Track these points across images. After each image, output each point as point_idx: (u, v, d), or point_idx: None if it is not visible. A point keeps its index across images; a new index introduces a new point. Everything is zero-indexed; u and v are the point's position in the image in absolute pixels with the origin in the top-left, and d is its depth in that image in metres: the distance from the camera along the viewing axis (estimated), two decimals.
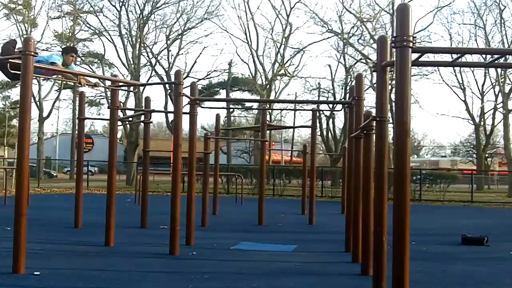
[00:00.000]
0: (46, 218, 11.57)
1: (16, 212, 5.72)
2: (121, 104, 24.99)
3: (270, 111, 30.88)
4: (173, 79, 7.57)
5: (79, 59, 38.18)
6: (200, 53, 56.11)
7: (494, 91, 34.69)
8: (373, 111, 5.66)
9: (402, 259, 3.83)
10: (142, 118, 11.39)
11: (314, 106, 16.70)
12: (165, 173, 22.50)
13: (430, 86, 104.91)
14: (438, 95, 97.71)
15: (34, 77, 6.46)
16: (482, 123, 36.61)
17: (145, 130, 11.30)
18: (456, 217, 15.08)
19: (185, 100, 8.04)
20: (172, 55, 36.21)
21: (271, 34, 37.48)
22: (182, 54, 37.34)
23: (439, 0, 44.20)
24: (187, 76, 33.60)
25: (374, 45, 28.24)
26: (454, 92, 36.16)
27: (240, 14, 59.96)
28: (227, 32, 57.43)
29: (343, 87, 37.23)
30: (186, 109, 8.25)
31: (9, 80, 6.51)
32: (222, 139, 24.29)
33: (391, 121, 5.66)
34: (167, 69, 35.54)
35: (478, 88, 35.68)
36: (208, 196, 11.36)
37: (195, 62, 50.80)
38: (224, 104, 24.19)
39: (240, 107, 40.10)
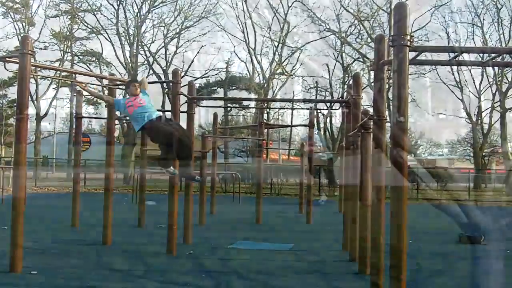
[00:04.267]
0: (43, 217, 11.55)
1: (13, 211, 5.71)
2: None
3: (267, 110, 30.82)
4: (170, 78, 7.56)
5: (77, 58, 38.14)
6: (198, 52, 55.71)
7: (492, 90, 34.71)
8: (371, 110, 5.66)
9: (400, 258, 3.83)
10: None
11: (312, 105, 16.63)
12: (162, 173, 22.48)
13: (427, 84, 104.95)
14: (436, 93, 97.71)
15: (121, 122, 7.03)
16: (479, 122, 36.63)
17: None
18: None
19: (183, 99, 8.04)
20: (169, 53, 36.18)
21: (268, 32, 37.43)
22: (179, 52, 37.26)
23: None
24: (185, 75, 33.48)
25: (372, 44, 28.34)
26: (451, 91, 36.20)
27: (238, 12, 59.81)
28: (225, 30, 57.22)
29: (341, 86, 37.22)
30: (184, 108, 8.24)
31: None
32: (220, 138, 24.25)
33: (388, 120, 5.66)
34: (164, 68, 35.46)
35: (476, 87, 35.71)
36: (205, 195, 11.35)
37: (193, 61, 50.63)
38: (221, 103, 24.16)
39: (237, 106, 39.96)
